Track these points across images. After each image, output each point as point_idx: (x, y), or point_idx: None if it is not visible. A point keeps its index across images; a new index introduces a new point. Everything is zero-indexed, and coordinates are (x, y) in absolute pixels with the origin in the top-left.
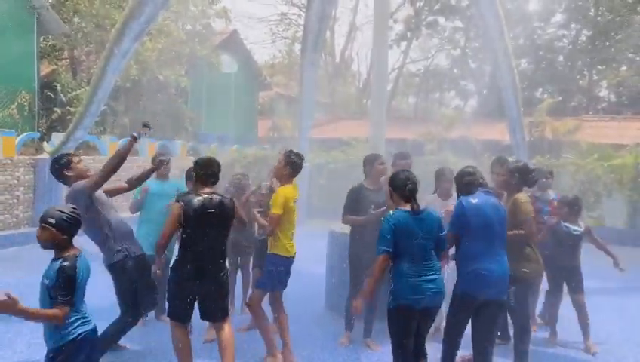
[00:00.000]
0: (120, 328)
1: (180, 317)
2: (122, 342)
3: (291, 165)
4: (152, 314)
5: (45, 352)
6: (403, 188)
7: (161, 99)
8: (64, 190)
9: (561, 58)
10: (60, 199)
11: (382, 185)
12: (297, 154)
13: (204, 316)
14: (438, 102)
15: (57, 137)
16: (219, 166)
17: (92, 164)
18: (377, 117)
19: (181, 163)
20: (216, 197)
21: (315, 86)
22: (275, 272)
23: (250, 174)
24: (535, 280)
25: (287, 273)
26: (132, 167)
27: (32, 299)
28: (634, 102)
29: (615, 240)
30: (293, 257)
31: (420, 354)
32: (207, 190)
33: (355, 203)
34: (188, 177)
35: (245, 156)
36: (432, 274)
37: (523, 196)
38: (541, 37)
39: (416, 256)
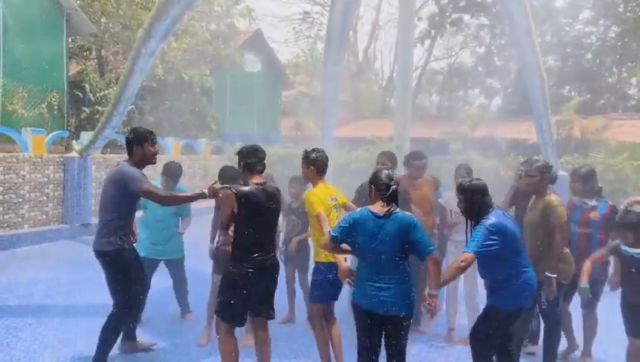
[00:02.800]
0: (115, 320)
1: (234, 319)
2: (149, 339)
3: (313, 163)
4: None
5: None
6: (383, 187)
7: (186, 98)
8: (93, 187)
9: (589, 55)
10: (89, 196)
11: None
12: (315, 150)
13: (254, 312)
14: (462, 101)
15: (86, 136)
16: (264, 153)
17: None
18: (402, 116)
19: (205, 162)
20: (269, 187)
21: (339, 81)
22: (325, 281)
23: (274, 173)
24: (566, 281)
25: (336, 280)
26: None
27: (61, 296)
28: None
29: None
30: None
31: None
32: (257, 179)
33: (362, 200)
34: (220, 177)
35: (269, 155)
36: (386, 283)
37: (556, 199)
38: (569, 34)
39: (370, 260)
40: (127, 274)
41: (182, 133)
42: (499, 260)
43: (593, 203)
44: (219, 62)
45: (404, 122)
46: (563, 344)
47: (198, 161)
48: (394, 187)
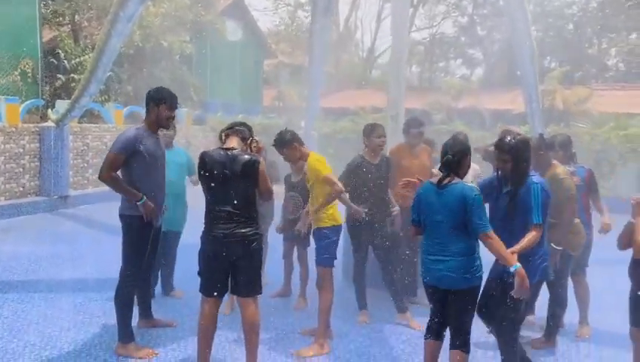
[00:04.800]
0: (119, 288)
1: (202, 287)
2: (168, 318)
3: (289, 142)
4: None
5: None
6: (442, 157)
7: (165, 66)
8: (71, 158)
9: (570, 26)
10: (65, 167)
11: (382, 158)
12: (280, 133)
13: (232, 289)
14: (443, 71)
15: (62, 105)
16: (245, 124)
17: (97, 132)
18: (396, 85)
19: (186, 132)
20: (238, 153)
21: (325, 50)
22: (332, 244)
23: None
24: (575, 252)
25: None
26: None
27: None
28: None
29: (627, 210)
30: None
31: (454, 337)
32: (230, 143)
33: (352, 176)
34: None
35: (251, 125)
36: (443, 255)
37: (562, 170)
38: (551, 3)
39: (431, 233)
40: (135, 242)
41: None
42: None
43: (572, 168)
44: (199, 29)
45: (399, 92)
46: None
47: (180, 131)
48: (448, 157)
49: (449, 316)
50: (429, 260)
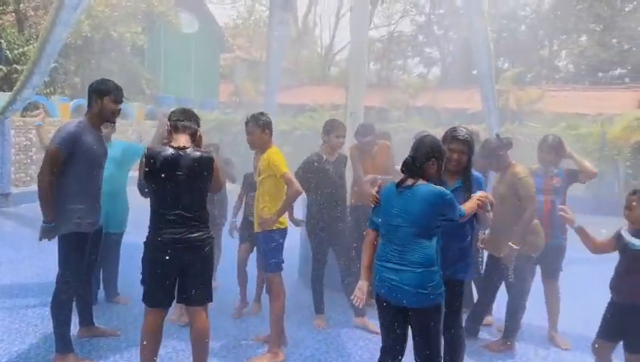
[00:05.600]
0: (55, 295)
1: (145, 296)
2: (111, 326)
3: (267, 126)
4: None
5: None
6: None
7: (116, 58)
8: (13, 153)
9: (523, 27)
10: (7, 163)
11: (339, 155)
12: (262, 113)
13: (180, 298)
14: (401, 70)
15: (3, 97)
16: (194, 115)
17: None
18: (356, 83)
19: (138, 127)
20: (190, 152)
21: (284, 45)
22: (281, 247)
23: (212, 140)
24: (535, 254)
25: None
26: None
27: None
28: (592, 72)
29: (577, 209)
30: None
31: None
32: (180, 141)
33: (309, 174)
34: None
35: (207, 121)
36: (398, 264)
37: (522, 170)
38: (506, 4)
39: (388, 238)
40: (72, 248)
41: None
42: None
43: (556, 170)
44: (152, 21)
45: (358, 90)
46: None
47: (131, 127)
48: (407, 158)
49: (413, 337)
50: (382, 268)
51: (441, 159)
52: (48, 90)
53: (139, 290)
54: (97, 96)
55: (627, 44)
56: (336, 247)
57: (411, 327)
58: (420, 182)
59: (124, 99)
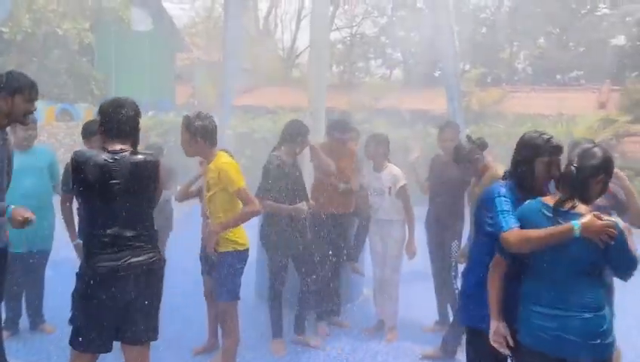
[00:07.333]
0: None
1: (87, 346)
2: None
3: (201, 134)
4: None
5: None
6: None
7: (61, 56)
8: None
9: (484, 29)
10: None
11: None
12: (199, 116)
13: (124, 337)
14: (363, 71)
15: None
16: (135, 111)
17: None
18: (317, 83)
19: (50, 128)
20: (132, 157)
21: (240, 45)
22: (238, 273)
23: (168, 143)
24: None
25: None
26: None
27: None
28: (549, 73)
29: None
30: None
31: None
32: (117, 145)
33: (273, 181)
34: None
35: (162, 123)
36: (560, 309)
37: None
38: (466, 5)
39: (542, 274)
40: None
41: (57, 96)
42: None
43: None
44: (101, 17)
45: (320, 90)
46: None
47: (78, 129)
48: (572, 169)
49: None
50: (536, 314)
51: (610, 176)
52: None
53: (66, 316)
54: (7, 93)
55: (582, 46)
56: (295, 257)
57: None
58: (580, 207)
59: (39, 98)
